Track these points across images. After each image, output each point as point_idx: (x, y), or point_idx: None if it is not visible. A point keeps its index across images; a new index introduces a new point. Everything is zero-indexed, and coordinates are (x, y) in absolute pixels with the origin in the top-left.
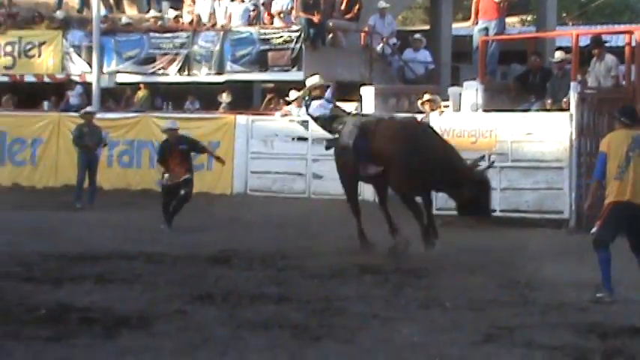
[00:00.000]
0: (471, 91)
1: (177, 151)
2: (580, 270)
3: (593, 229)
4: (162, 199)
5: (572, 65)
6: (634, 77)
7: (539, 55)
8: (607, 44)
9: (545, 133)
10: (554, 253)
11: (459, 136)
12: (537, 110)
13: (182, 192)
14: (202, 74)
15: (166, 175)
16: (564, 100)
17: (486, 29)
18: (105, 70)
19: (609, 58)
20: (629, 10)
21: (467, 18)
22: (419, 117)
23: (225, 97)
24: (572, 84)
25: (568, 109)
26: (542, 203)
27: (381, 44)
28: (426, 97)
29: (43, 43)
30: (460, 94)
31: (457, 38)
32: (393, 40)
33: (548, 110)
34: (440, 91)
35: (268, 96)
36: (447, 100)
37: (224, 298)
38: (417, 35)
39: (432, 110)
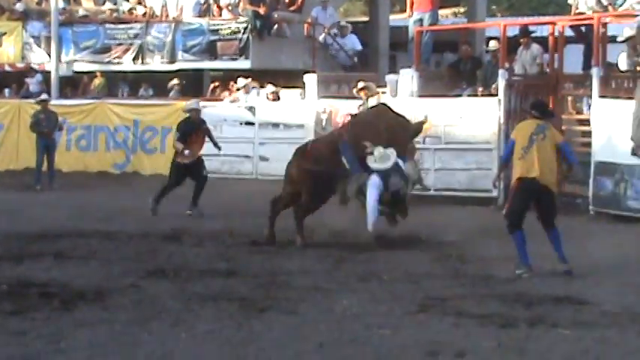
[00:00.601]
0: (407, 78)
1: (200, 130)
2: (507, 244)
3: (504, 211)
4: (170, 179)
5: (500, 54)
6: (557, 65)
7: (469, 45)
8: (533, 34)
9: (476, 117)
10: (483, 229)
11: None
12: (468, 96)
13: (204, 173)
14: (155, 63)
15: (186, 152)
16: (493, 86)
17: (421, 20)
18: (63, 59)
19: (535, 47)
20: (553, 2)
21: (403, 10)
22: (356, 106)
23: (174, 84)
24: (500, 71)
25: (496, 95)
26: (472, 182)
27: (323, 34)
28: (360, 84)
29: (4, 34)
30: (397, 81)
31: (394, 29)
32: (334, 31)
33: (479, 96)
34: (378, 78)
35: (213, 85)
36: (385, 86)
37: (176, 273)
38: (343, 22)
39: (368, 97)
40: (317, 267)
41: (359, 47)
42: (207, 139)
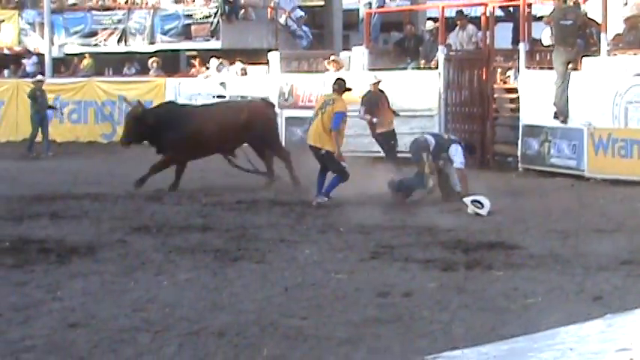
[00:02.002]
0: (359, 55)
1: (383, 101)
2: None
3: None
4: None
5: (439, 32)
6: (489, 41)
7: (413, 25)
8: (468, 16)
9: (419, 88)
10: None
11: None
12: (413, 69)
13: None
14: (137, 44)
15: (375, 120)
16: (433, 61)
17: (370, 3)
18: (55, 42)
19: (470, 27)
20: None
21: None
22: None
23: (153, 61)
24: (440, 47)
25: (437, 68)
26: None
27: (284, 17)
28: (332, 58)
29: (2, 21)
30: (350, 58)
31: (347, 12)
32: (300, 14)
33: (421, 69)
34: (334, 54)
35: (193, 61)
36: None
37: (158, 229)
38: (302, 13)
39: (337, 69)
40: (282, 221)
41: (310, 37)
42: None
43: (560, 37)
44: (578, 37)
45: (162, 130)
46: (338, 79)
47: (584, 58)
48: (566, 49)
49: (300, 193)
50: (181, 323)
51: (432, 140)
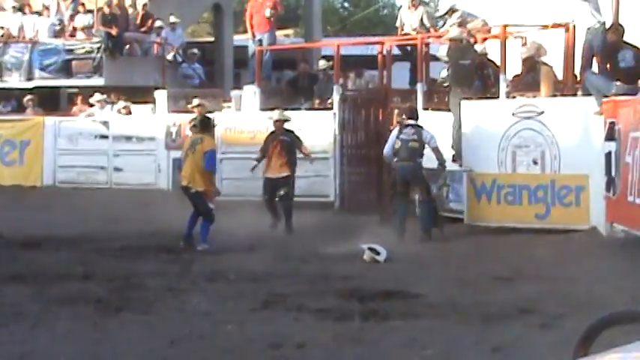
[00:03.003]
0: (250, 94)
1: (278, 142)
2: (343, 243)
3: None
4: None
5: (334, 71)
6: (386, 80)
7: (307, 63)
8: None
9: (314, 129)
10: (322, 231)
11: (240, 132)
12: (306, 109)
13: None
14: (13, 80)
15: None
16: (329, 101)
17: (260, 41)
18: None
19: (367, 74)
20: (382, 23)
21: (247, 31)
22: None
23: (28, 99)
24: (335, 86)
25: (332, 108)
26: (312, 188)
27: (172, 53)
28: (195, 101)
29: None
30: (241, 96)
31: (238, 48)
32: (193, 51)
33: (316, 109)
34: (224, 93)
35: (76, 99)
36: (230, 101)
37: (35, 278)
38: (195, 50)
39: (202, 114)
40: (169, 269)
41: (203, 77)
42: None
43: (457, 78)
44: (477, 78)
45: None
46: (204, 117)
47: (463, 101)
48: (464, 90)
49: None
50: None
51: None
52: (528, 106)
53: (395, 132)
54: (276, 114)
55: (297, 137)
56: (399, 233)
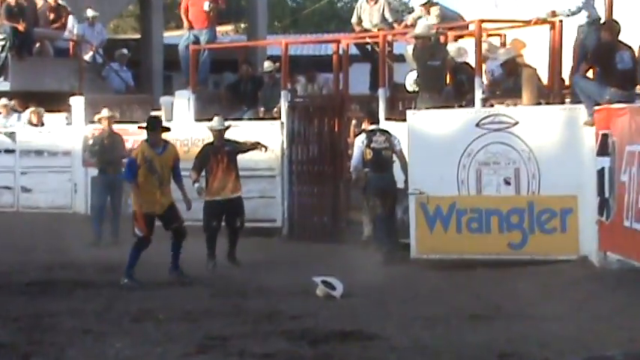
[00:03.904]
0: (183, 101)
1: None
2: (292, 277)
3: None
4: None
5: (282, 74)
6: (342, 86)
7: (250, 64)
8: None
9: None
10: (268, 262)
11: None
12: (249, 119)
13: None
14: None
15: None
16: (275, 109)
17: (197, 38)
18: None
19: (320, 78)
20: (336, 17)
21: (180, 26)
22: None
23: None
24: (283, 93)
25: (279, 118)
26: (255, 212)
27: (91, 53)
28: (104, 112)
29: None
30: (172, 104)
31: (169, 47)
32: (123, 52)
33: (260, 119)
34: (152, 100)
35: None
36: (160, 109)
37: None
38: (124, 50)
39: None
40: (87, 307)
41: (130, 81)
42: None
43: (425, 81)
44: (448, 83)
45: None
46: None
47: (417, 111)
48: (432, 96)
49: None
50: None
51: None
52: (498, 116)
53: (360, 140)
54: (216, 122)
55: (237, 142)
56: (387, 255)
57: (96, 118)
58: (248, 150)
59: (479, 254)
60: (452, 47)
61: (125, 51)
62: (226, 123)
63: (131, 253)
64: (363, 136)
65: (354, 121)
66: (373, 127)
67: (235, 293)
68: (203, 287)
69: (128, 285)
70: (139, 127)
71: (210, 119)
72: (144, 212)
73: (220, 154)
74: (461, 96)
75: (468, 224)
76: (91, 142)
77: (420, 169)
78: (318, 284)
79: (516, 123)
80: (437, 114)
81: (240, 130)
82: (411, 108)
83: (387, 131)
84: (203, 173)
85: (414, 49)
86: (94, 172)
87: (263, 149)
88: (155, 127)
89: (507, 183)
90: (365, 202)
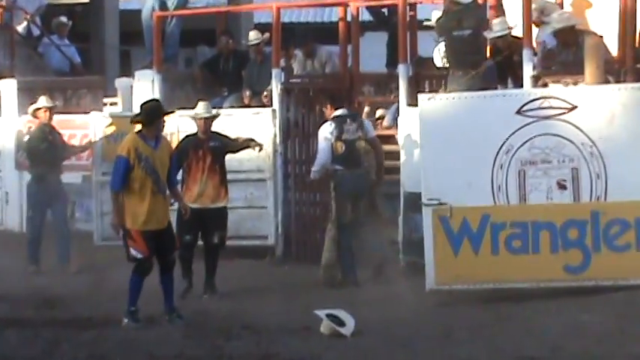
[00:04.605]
0: (146, 83)
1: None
2: (289, 311)
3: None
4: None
5: (273, 47)
6: (352, 62)
7: (231, 36)
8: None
9: (242, 135)
10: (257, 290)
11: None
12: (231, 106)
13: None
14: None
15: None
16: (264, 92)
17: (163, 2)
18: None
19: (323, 52)
20: None
21: None
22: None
23: None
24: (274, 71)
25: (270, 105)
26: (240, 226)
27: (25, 23)
28: (43, 102)
29: None
30: (132, 87)
31: (127, 14)
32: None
33: (246, 106)
34: (105, 82)
35: None
36: (115, 95)
37: None
38: (63, 18)
39: (50, 118)
40: (22, 352)
41: (77, 59)
42: None
43: (455, 56)
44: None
45: None
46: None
47: (421, 95)
48: (465, 74)
49: None
50: None
51: None
52: (547, 99)
53: (328, 131)
54: (201, 108)
55: (227, 137)
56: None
57: (31, 109)
58: (240, 149)
59: (524, 282)
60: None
61: (64, 19)
62: (215, 111)
63: (131, 283)
64: (330, 125)
65: (366, 108)
66: (341, 112)
67: (215, 332)
68: (173, 326)
69: (132, 327)
70: (132, 121)
71: (181, 108)
72: (141, 229)
73: (203, 150)
74: (513, 74)
75: (507, 243)
76: (26, 138)
77: (438, 172)
78: (323, 319)
79: (574, 108)
80: (462, 99)
81: (220, 121)
82: (437, 91)
83: (357, 115)
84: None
85: (439, 17)
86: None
87: (257, 148)
88: (156, 115)
89: (562, 187)
90: (332, 207)
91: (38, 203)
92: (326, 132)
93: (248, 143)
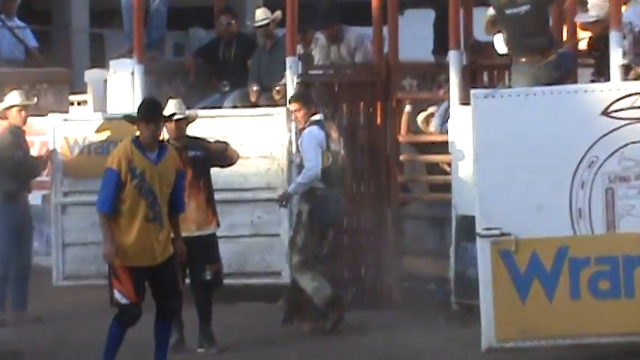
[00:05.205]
0: (124, 75)
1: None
2: None
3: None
4: None
5: (287, 30)
6: (389, 50)
7: (233, 15)
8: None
9: (249, 143)
10: (268, 342)
11: (99, 152)
12: (234, 106)
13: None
14: None
15: None
16: (277, 87)
17: None
18: None
19: (352, 35)
20: None
21: None
22: None
23: None
24: (289, 60)
25: (283, 103)
26: (246, 260)
27: None
28: (15, 98)
29: None
30: (105, 81)
31: None
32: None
33: (252, 105)
34: (72, 75)
35: None
36: (85, 92)
37: None
38: None
39: (25, 120)
40: None
41: (34, 44)
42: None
43: (513, 41)
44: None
45: None
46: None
47: (475, 92)
48: (531, 61)
49: None
50: None
51: None
52: None
53: (320, 136)
54: (173, 107)
55: (208, 143)
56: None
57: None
58: (229, 163)
59: (613, 336)
60: None
61: None
62: (190, 111)
63: (110, 334)
64: (320, 132)
65: (407, 107)
66: (319, 117)
67: None
68: None
69: None
70: (125, 119)
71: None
72: (127, 265)
73: (182, 161)
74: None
75: (591, 285)
76: None
77: (498, 192)
78: None
79: None
80: (530, 96)
81: (217, 124)
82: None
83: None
84: None
85: None
86: None
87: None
88: (154, 114)
89: None
90: (308, 233)
91: (8, 230)
92: (319, 136)
93: (224, 148)
